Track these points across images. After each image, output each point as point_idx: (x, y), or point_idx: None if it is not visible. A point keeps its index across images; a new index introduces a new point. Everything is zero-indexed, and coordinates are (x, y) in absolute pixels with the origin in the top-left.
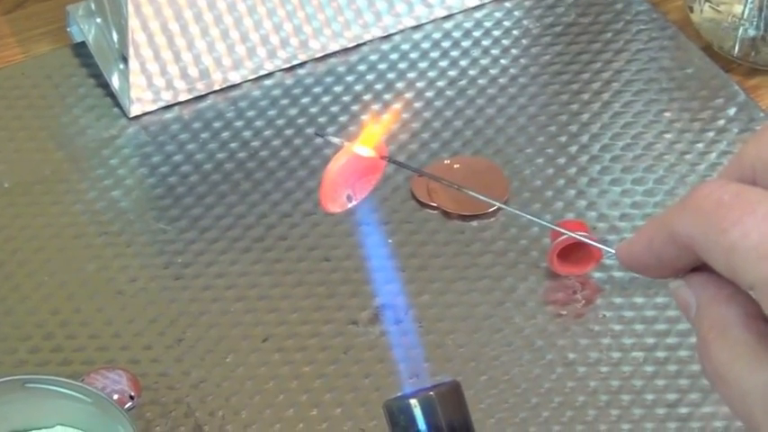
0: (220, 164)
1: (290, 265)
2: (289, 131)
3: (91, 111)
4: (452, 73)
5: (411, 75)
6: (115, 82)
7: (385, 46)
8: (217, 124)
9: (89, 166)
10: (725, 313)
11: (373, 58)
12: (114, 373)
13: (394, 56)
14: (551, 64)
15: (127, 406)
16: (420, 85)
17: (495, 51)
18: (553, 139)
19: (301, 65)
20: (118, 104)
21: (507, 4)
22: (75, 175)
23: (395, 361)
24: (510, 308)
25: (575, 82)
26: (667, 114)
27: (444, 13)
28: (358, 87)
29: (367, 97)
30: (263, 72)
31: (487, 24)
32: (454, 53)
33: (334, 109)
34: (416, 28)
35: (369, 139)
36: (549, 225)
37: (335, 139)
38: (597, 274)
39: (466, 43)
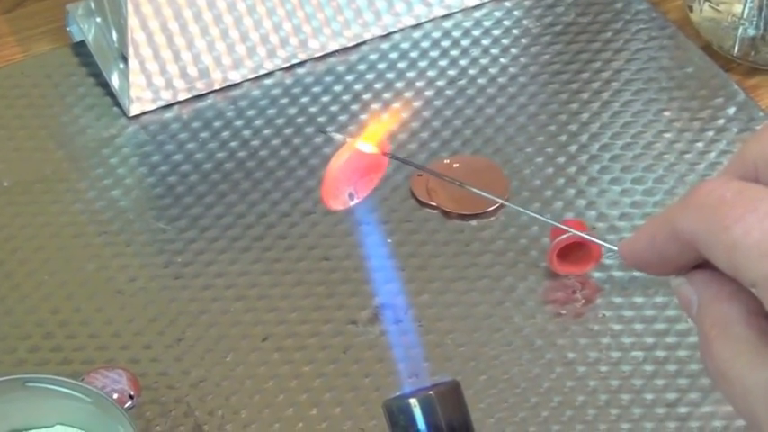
0: (220, 163)
1: (290, 265)
2: (288, 131)
3: (90, 110)
4: (452, 72)
5: (410, 74)
6: (115, 81)
7: (384, 45)
8: (216, 123)
9: (88, 165)
10: (727, 311)
11: (373, 57)
12: (114, 373)
13: (393, 55)
14: (551, 63)
15: (126, 405)
16: (419, 84)
17: (494, 50)
18: (553, 138)
19: (301, 64)
20: (117, 104)
21: (507, 4)
22: (75, 174)
23: (394, 360)
24: (509, 307)
25: (574, 81)
26: (667, 114)
27: (444, 12)
28: (357, 87)
29: (366, 96)
30: (262, 71)
31: (487, 23)
32: (454, 52)
33: (334, 108)
34: (416, 27)
35: (371, 135)
36: (551, 222)
37: (338, 136)
38: (597, 274)
39: (465, 42)
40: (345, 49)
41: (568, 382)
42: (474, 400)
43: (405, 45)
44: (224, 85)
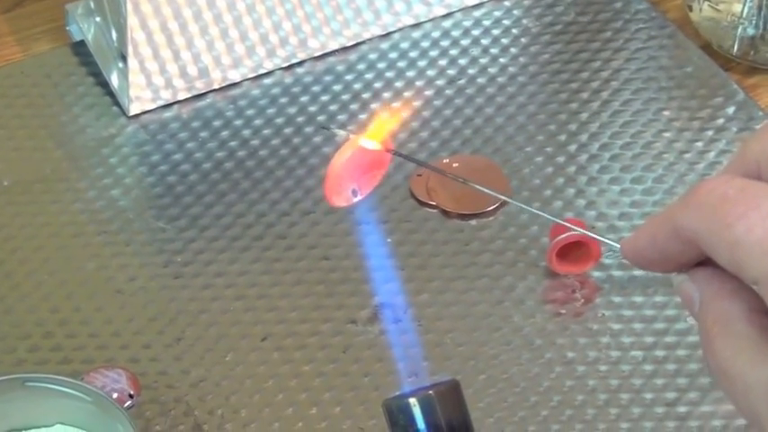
0: (219, 162)
1: (290, 264)
2: (288, 130)
3: (90, 109)
4: (451, 71)
5: (410, 73)
6: (114, 80)
7: (384, 44)
8: (216, 123)
9: (88, 164)
10: (728, 308)
11: (372, 56)
12: (114, 372)
13: (393, 54)
14: (550, 63)
15: (126, 405)
16: (419, 83)
17: (494, 50)
18: (552, 137)
19: (300, 63)
20: (117, 103)
21: (506, 3)
22: (75, 173)
23: (394, 360)
24: (509, 307)
25: (574, 81)
26: (666, 113)
27: (443, 11)
28: (357, 86)
29: (366, 96)
30: (262, 71)
31: (486, 23)
32: (453, 52)
33: (334, 107)
34: (415, 26)
35: (374, 132)
36: (554, 219)
37: (341, 132)
38: (596, 273)
39: (465, 42)
40: (345, 49)
41: (568, 381)
42: (473, 400)
43: (404, 44)
44: (223, 85)
